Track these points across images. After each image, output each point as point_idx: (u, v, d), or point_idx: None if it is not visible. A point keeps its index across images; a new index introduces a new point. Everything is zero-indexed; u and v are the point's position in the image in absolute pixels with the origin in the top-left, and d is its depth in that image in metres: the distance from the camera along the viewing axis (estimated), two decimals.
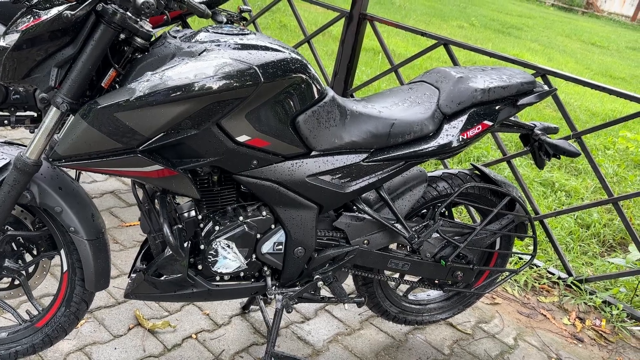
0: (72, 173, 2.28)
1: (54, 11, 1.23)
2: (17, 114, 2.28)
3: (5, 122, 2.29)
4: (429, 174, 1.78)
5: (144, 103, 1.23)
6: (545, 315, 2.43)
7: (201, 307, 1.97)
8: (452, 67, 1.74)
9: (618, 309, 2.47)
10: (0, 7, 2.10)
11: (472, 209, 2.74)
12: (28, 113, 2.31)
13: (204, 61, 1.29)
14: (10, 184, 1.34)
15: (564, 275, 2.67)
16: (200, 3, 1.54)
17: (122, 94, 1.24)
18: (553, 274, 2.69)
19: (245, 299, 2.03)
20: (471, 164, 1.90)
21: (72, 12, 1.21)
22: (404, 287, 2.05)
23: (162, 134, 1.29)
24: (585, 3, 28.49)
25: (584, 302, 2.53)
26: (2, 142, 1.44)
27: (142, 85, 1.24)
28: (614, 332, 2.39)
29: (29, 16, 1.27)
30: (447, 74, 1.66)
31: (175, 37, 1.37)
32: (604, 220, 3.49)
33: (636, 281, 2.65)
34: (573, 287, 2.61)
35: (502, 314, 2.37)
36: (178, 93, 1.24)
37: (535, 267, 2.72)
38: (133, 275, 1.54)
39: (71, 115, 1.33)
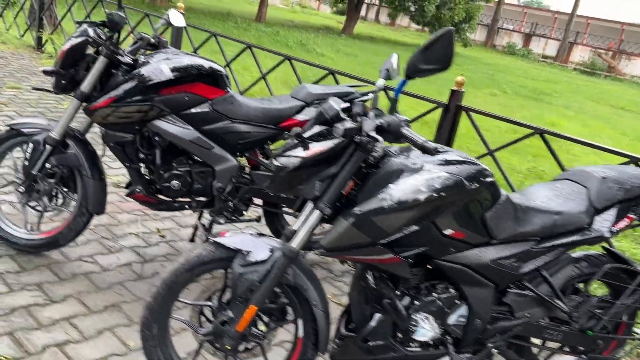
0: None
1: (328, 144, 1.66)
2: (196, 199, 2.72)
3: (187, 206, 2.72)
4: (572, 255, 2.13)
5: (393, 209, 1.63)
6: None
7: None
8: (591, 167, 2.13)
9: None
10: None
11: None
12: (203, 199, 2.75)
13: (428, 176, 1.69)
14: (279, 267, 1.73)
15: None
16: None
17: (376, 202, 1.65)
18: None
19: None
20: (602, 246, 2.24)
21: (338, 143, 1.64)
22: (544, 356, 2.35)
23: (398, 230, 1.68)
24: (607, 67, 29.25)
25: None
26: (259, 234, 1.84)
27: (390, 196, 1.64)
28: None
29: (299, 146, 1.70)
30: (591, 175, 2.05)
31: (396, 155, 1.78)
32: None
33: None
34: None
35: None
36: (415, 201, 1.64)
37: None
38: (338, 340, 1.89)
39: (315, 212, 1.73)
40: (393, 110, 1.72)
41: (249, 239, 1.81)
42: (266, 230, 3.06)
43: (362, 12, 35.69)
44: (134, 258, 2.81)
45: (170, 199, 2.71)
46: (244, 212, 2.81)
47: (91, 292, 2.45)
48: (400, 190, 1.65)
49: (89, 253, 2.76)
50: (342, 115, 1.71)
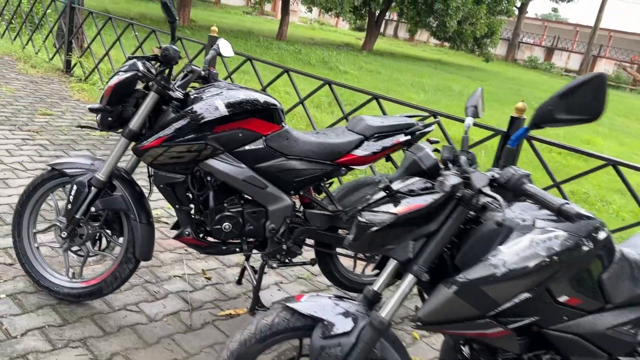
0: None
1: (427, 199, 1.44)
2: (247, 241, 2.51)
3: (237, 249, 2.52)
4: None
5: (506, 277, 1.40)
6: None
7: None
8: None
9: None
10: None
11: None
12: (253, 239, 2.54)
13: (544, 235, 1.45)
14: (367, 341, 1.50)
15: None
16: None
17: (486, 268, 1.41)
18: None
19: None
20: None
21: (437, 199, 1.42)
22: None
23: (509, 300, 1.44)
24: (632, 80, 28.71)
25: None
26: (338, 297, 1.61)
27: (504, 262, 1.41)
28: None
29: (387, 202, 1.48)
30: None
31: (499, 207, 1.55)
32: None
33: None
34: None
35: None
36: (533, 267, 1.41)
37: None
38: None
39: (408, 276, 1.50)
40: (510, 162, 1.51)
41: (329, 304, 1.59)
42: (316, 272, 2.84)
43: (381, 28, 35.69)
44: (181, 305, 2.60)
45: (220, 241, 2.51)
46: (298, 254, 2.60)
47: (139, 348, 2.24)
48: (514, 254, 1.42)
49: (133, 301, 2.56)
50: (440, 165, 1.49)
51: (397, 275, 1.60)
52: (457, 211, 1.47)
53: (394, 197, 1.48)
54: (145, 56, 2.31)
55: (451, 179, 1.42)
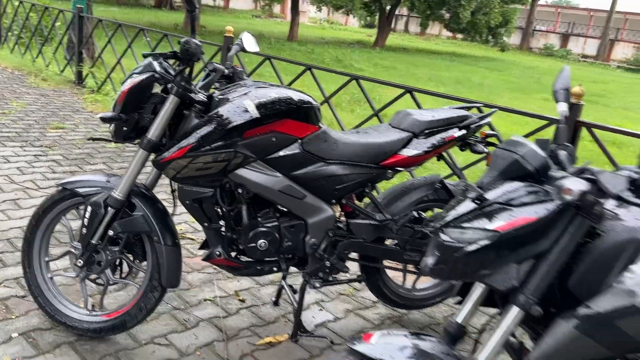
0: None
1: (541, 211, 1.12)
2: (286, 257, 2.21)
3: (275, 268, 2.22)
4: None
5: None
6: None
7: None
8: None
9: None
10: None
11: None
12: (291, 257, 2.24)
13: None
14: None
15: None
16: None
17: (620, 297, 1.09)
18: None
19: None
20: None
21: (553, 209, 1.10)
22: None
23: None
24: None
25: None
26: (413, 334, 1.30)
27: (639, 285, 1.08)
28: None
29: (481, 215, 1.16)
30: None
31: (618, 216, 1.23)
32: None
33: None
34: None
35: None
36: None
37: None
38: None
39: (512, 308, 1.19)
40: (564, 139, 1.18)
41: (407, 346, 1.26)
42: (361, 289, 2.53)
43: (393, 24, 35.27)
44: (215, 334, 2.30)
45: (254, 261, 2.21)
46: (344, 271, 2.29)
47: None
48: None
49: (161, 332, 2.27)
50: (552, 164, 1.17)
51: (485, 302, 1.29)
52: (575, 223, 1.14)
53: (489, 208, 1.17)
54: (162, 53, 2.02)
55: (575, 182, 1.09)
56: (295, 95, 2.07)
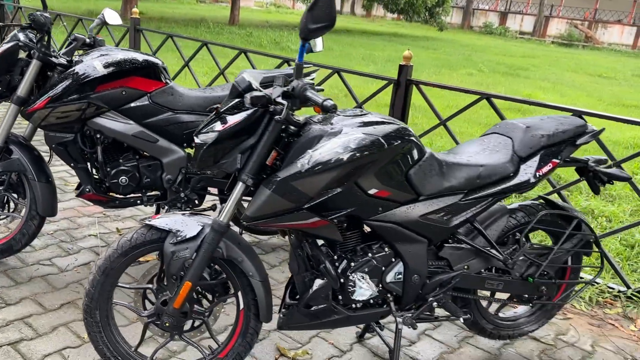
0: None
1: (242, 115, 1.70)
2: (147, 194, 2.74)
3: (138, 201, 2.75)
4: (508, 207, 2.17)
5: (311, 173, 1.66)
6: (613, 324, 2.73)
7: (326, 337, 2.34)
8: (517, 119, 2.17)
9: None
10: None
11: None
12: (154, 193, 2.77)
13: (345, 138, 1.72)
14: (209, 242, 1.76)
15: (623, 288, 2.98)
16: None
17: (295, 167, 1.68)
18: (613, 289, 3.00)
19: (360, 330, 2.38)
20: (539, 196, 2.28)
21: (252, 113, 1.68)
22: (494, 309, 2.39)
23: (320, 193, 1.71)
24: (584, 37, 29.37)
25: None
26: (191, 213, 1.87)
27: (308, 160, 1.67)
28: None
29: (217, 120, 1.73)
30: (516, 125, 2.09)
31: (317, 123, 1.81)
32: None
33: None
34: (634, 298, 2.92)
35: (575, 326, 2.68)
36: (333, 163, 1.67)
37: (596, 284, 3.04)
38: (284, 310, 1.93)
39: (239, 184, 1.76)
40: (299, 75, 1.75)
41: (180, 218, 1.84)
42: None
43: (337, 6, 35.67)
44: (93, 258, 2.83)
45: (121, 196, 2.74)
46: (197, 202, 2.84)
47: (47, 293, 2.47)
48: (318, 154, 1.69)
49: (47, 257, 2.78)
50: (255, 86, 1.74)
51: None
52: (272, 124, 1.72)
53: (220, 117, 1.74)
54: (23, 25, 2.51)
55: (254, 93, 1.67)
56: (141, 57, 2.59)
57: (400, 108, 3.60)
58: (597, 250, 2.28)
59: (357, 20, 32.80)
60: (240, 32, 16.44)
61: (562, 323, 2.70)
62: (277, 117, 1.69)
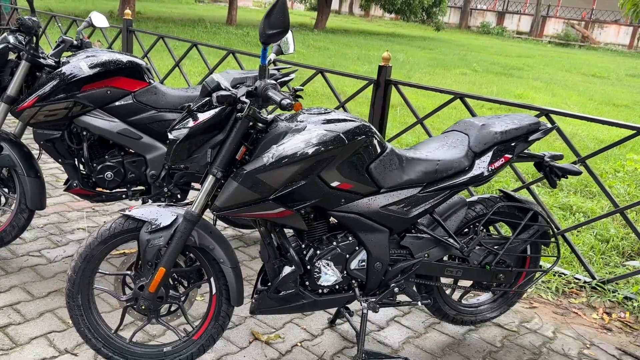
0: None
1: (211, 113, 1.83)
2: (132, 189, 2.88)
3: (124, 196, 2.89)
4: (467, 200, 2.31)
5: (275, 166, 1.80)
6: (577, 313, 2.86)
7: (298, 323, 2.47)
8: (475, 117, 2.31)
9: (638, 301, 2.90)
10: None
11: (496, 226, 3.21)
12: (139, 188, 2.91)
13: (308, 134, 1.85)
14: (182, 231, 1.90)
15: (588, 279, 3.12)
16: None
17: (260, 161, 1.81)
18: (579, 280, 3.14)
19: (332, 316, 2.52)
20: (499, 189, 2.42)
21: (220, 111, 1.81)
22: (458, 297, 2.53)
23: (285, 185, 1.85)
24: (580, 37, 29.50)
25: (609, 300, 2.97)
26: (166, 205, 2.00)
27: (273, 154, 1.81)
28: (638, 321, 2.82)
29: (189, 118, 1.87)
30: (472, 123, 2.22)
31: (283, 120, 1.95)
32: (621, 234, 3.93)
33: None
34: (598, 288, 3.05)
35: (540, 315, 2.81)
36: (296, 157, 1.81)
37: (563, 275, 3.17)
38: (256, 295, 2.06)
39: (208, 177, 1.89)
40: (262, 76, 1.89)
41: (155, 209, 1.97)
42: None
43: (336, 6, 35.82)
44: None
45: (107, 190, 2.87)
46: (180, 197, 2.97)
47: (36, 282, 2.61)
48: (282, 148, 1.82)
49: (36, 248, 2.92)
50: (223, 86, 1.87)
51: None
52: (239, 122, 1.86)
53: (191, 114, 1.87)
54: (12, 29, 2.65)
55: (220, 92, 1.80)
56: (125, 58, 2.73)
57: (380, 107, 3.74)
58: (554, 241, 2.42)
59: (355, 20, 32.94)
60: (237, 32, 16.57)
61: (527, 311, 2.83)
62: (238, 114, 1.83)
